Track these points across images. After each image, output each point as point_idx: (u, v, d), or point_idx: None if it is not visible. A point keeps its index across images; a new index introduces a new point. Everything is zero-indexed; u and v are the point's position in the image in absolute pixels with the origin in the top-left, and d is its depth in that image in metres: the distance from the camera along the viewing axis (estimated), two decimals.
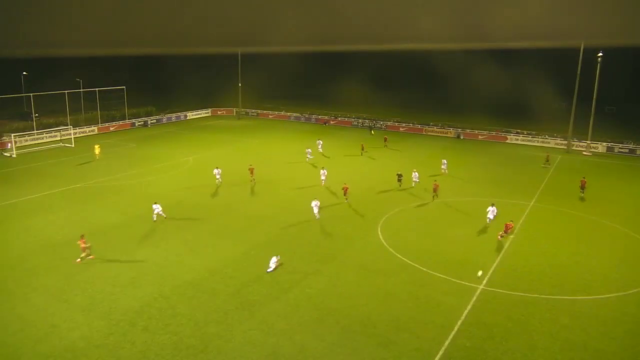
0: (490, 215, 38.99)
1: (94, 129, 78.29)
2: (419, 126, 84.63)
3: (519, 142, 76.34)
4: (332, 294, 28.92)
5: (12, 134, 64.93)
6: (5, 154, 63.44)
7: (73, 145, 67.36)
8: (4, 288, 29.28)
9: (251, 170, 51.09)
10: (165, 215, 39.74)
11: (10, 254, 33.81)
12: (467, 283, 30.38)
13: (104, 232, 37.84)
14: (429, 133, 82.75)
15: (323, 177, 50.04)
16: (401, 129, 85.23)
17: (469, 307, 27.75)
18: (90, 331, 25.07)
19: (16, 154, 62.65)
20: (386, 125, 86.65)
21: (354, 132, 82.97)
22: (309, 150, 62.00)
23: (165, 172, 55.67)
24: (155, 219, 39.52)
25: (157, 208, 39.57)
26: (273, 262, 31.26)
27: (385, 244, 36.19)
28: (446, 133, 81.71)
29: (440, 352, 23.68)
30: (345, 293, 29.18)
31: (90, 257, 32.53)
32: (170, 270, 31.51)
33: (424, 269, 32.13)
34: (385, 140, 71.92)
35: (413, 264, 32.88)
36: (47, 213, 41.98)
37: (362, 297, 28.70)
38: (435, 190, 46.10)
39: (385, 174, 54.95)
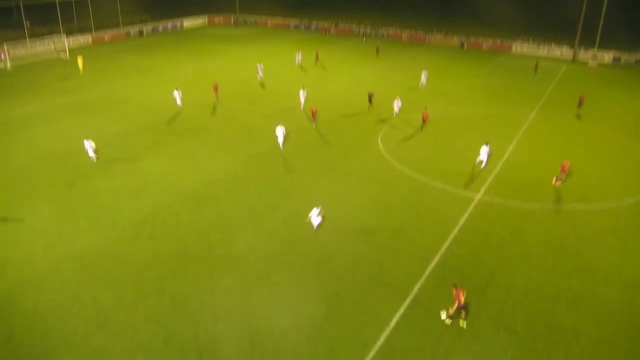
0: (483, 157, 33.57)
1: (89, 38, 76.15)
2: (422, 34, 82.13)
3: (524, 51, 74.50)
4: (333, 203, 29.45)
5: (5, 44, 63.19)
6: None
7: (68, 56, 65.81)
8: (11, 199, 29.81)
9: (215, 88, 47.56)
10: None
11: (15, 166, 34.10)
12: (465, 192, 30.87)
13: (105, 143, 37.88)
14: (432, 42, 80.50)
15: (302, 99, 45.17)
16: (403, 37, 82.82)
17: (466, 216, 28.38)
18: (97, 239, 25.83)
19: (10, 66, 61.36)
20: (388, 34, 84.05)
21: (353, 41, 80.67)
22: (260, 65, 55.33)
23: (164, 82, 54.76)
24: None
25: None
26: (316, 215, 26.40)
27: (385, 154, 36.37)
28: (450, 42, 79.50)
29: (437, 259, 24.52)
30: (345, 202, 29.71)
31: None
32: (172, 181, 31.89)
33: (424, 179, 32.51)
34: (378, 50, 69.69)
35: (413, 174, 33.22)
36: (48, 125, 41.84)
37: (361, 206, 29.27)
38: (424, 120, 40.48)
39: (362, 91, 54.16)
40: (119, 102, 48.04)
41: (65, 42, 68.46)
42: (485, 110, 46.68)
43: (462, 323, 20.28)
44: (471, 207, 29.28)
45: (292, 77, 57.49)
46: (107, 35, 78.80)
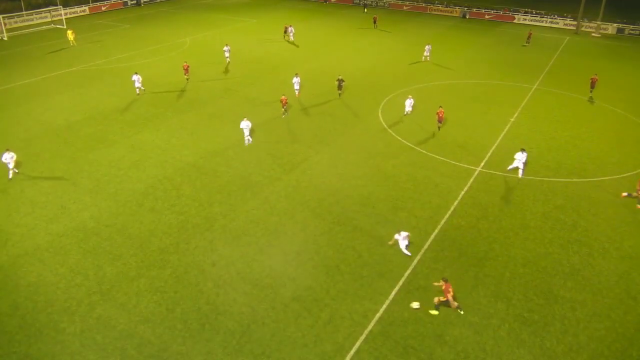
0: (520, 164, 29.39)
1: (85, 9, 75.14)
2: (424, 4, 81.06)
3: (526, 22, 73.60)
4: (333, 175, 29.53)
5: (1, 15, 62.38)
6: None
7: (65, 27, 65.03)
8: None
9: (186, 69, 44.88)
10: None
11: (14, 139, 34.04)
12: (465, 165, 30.91)
13: (104, 115, 37.80)
14: (434, 12, 79.45)
15: (297, 87, 41.40)
16: (405, 8, 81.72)
17: (465, 188, 28.48)
18: (99, 212, 25.97)
19: (7, 37, 60.69)
20: (389, 4, 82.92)
21: (354, 11, 79.59)
22: (227, 47, 50.51)
23: (163, 53, 54.28)
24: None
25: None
26: (402, 239, 22.85)
27: (385, 125, 36.29)
28: (452, 12, 78.51)
29: (436, 230, 24.70)
30: (345, 174, 29.78)
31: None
32: (172, 153, 31.90)
33: (424, 152, 32.51)
34: (375, 20, 68.57)
35: (413, 146, 33.21)
36: (46, 97, 41.62)
37: (361, 178, 29.35)
38: (440, 119, 35.25)
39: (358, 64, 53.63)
40: (116, 74, 47.65)
41: (62, 13, 67.56)
42: (487, 82, 46.36)
43: (434, 312, 19.62)
44: (471, 180, 29.36)
45: (284, 51, 56.93)
46: (104, 5, 77.71)
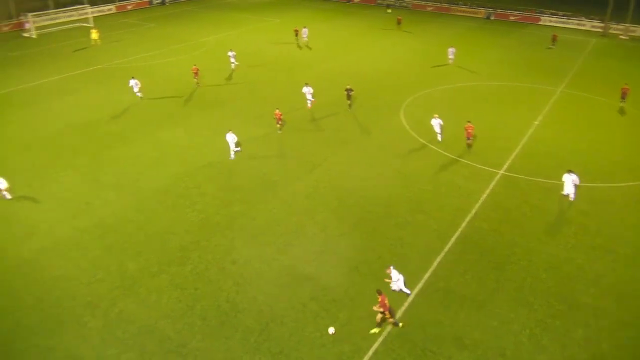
0: (570, 189, 26.99)
1: (112, 7, 76.19)
2: (447, 5, 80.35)
3: (552, 24, 72.51)
4: (353, 176, 29.48)
5: (30, 14, 63.57)
6: (25, 34, 62.73)
7: (92, 25, 65.95)
8: (37, 168, 30.44)
9: (195, 72, 43.92)
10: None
11: (38, 136, 34.71)
12: (487, 168, 30.57)
13: (126, 113, 38.32)
14: (457, 13, 78.71)
15: (310, 97, 38.51)
16: (428, 9, 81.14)
17: (487, 191, 28.17)
18: (120, 208, 26.31)
19: (32, 35, 61.85)
20: (412, 4, 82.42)
21: (377, 12, 79.26)
22: (232, 53, 48.90)
23: (185, 52, 54.76)
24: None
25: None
26: (400, 282, 20.40)
27: (407, 127, 36.10)
28: (476, 13, 77.69)
29: (457, 233, 24.48)
30: (365, 175, 29.70)
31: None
32: (193, 151, 32.15)
33: (446, 154, 32.25)
34: (399, 21, 67.64)
35: (435, 147, 32.96)
36: (70, 95, 42.32)
37: (382, 180, 29.23)
38: (469, 136, 32.83)
39: (383, 65, 53.35)
40: (138, 72, 48.20)
41: (89, 12, 68.57)
42: (511, 84, 45.82)
43: (375, 330, 18.71)
44: (493, 183, 29.04)
45: (304, 51, 56.98)
46: (130, 4, 78.71)
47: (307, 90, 38.40)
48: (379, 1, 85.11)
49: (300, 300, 20.24)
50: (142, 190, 27.94)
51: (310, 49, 56.82)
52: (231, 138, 31.37)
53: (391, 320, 18.83)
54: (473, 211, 26.31)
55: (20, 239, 23.85)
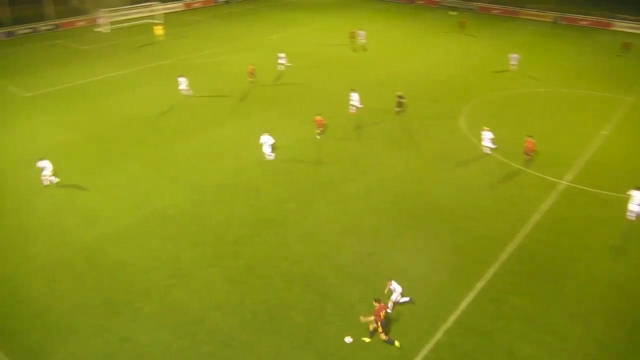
0: (636, 208, 25.35)
1: (180, 5, 78.58)
2: (514, 8, 77.99)
3: (625, 29, 69.08)
4: (407, 180, 29.15)
5: (103, 10, 66.49)
6: (98, 29, 65.64)
7: (162, 22, 68.28)
8: (103, 157, 31.81)
9: (251, 72, 44.37)
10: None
11: (107, 126, 36.27)
12: (548, 177, 29.51)
13: (188, 108, 39.40)
14: (525, 17, 76.30)
15: (355, 104, 37.37)
16: (494, 12, 79.10)
17: (548, 201, 27.18)
18: (179, 200, 27.09)
19: (106, 30, 64.67)
20: (478, 7, 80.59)
21: (439, 14, 77.98)
22: (282, 55, 48.49)
23: (247, 50, 55.76)
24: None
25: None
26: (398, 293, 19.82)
27: (467, 132, 35.35)
28: (544, 17, 75.07)
29: (514, 243, 23.75)
30: (420, 179, 29.30)
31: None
32: (251, 148, 32.62)
33: (506, 160, 31.37)
34: (462, 24, 65.52)
35: (494, 154, 32.12)
36: (137, 88, 43.97)
37: (437, 184, 28.76)
38: (528, 151, 31.04)
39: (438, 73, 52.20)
40: (202, 68, 49.50)
41: (159, 9, 70.99)
42: (578, 92, 44.02)
43: (367, 339, 18.27)
44: (555, 193, 27.99)
45: (362, 52, 56.71)
46: (196, 2, 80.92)
47: (354, 97, 37.34)
48: (442, 3, 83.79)
49: (349, 301, 20.20)
50: (200, 184, 28.66)
51: (366, 50, 56.48)
52: (266, 140, 31.09)
53: (383, 336, 18.03)
54: (532, 221, 25.45)
55: (84, 225, 24.97)
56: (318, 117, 34.37)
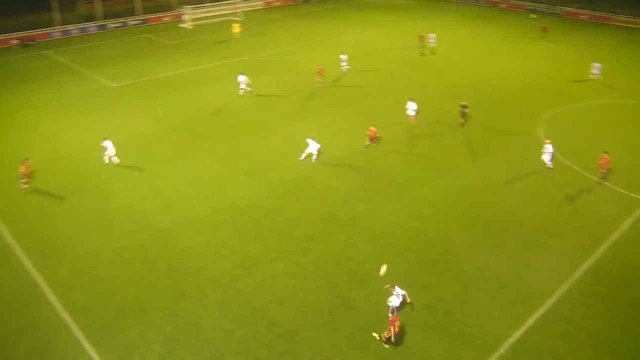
0: None
1: (260, 3, 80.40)
2: (606, 14, 73.73)
3: None
4: (481, 188, 28.42)
5: (188, 6, 69.17)
6: (182, 25, 68.34)
7: (242, 19, 70.17)
8: (181, 147, 33.13)
9: (319, 72, 44.24)
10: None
11: (186, 118, 37.76)
12: (633, 194, 27.84)
13: (264, 104, 40.27)
14: (616, 23, 72.04)
15: (412, 113, 36.38)
16: (582, 17, 75.31)
17: (630, 220, 25.65)
18: (250, 193, 27.77)
19: (190, 26, 67.21)
20: (564, 11, 77.04)
21: (522, 18, 75.15)
22: (344, 57, 48.33)
23: (324, 50, 56.22)
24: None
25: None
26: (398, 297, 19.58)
27: (542, 143, 33.91)
28: (636, 24, 70.57)
29: (590, 262, 22.60)
30: (494, 188, 28.48)
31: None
32: (323, 146, 32.79)
33: (586, 174, 29.89)
34: (544, 30, 62.16)
35: (574, 166, 30.70)
36: (215, 83, 45.44)
37: (512, 195, 27.85)
38: (603, 168, 29.03)
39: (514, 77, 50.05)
40: (277, 66, 50.42)
41: (240, 7, 72.97)
42: None
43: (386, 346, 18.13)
44: (638, 212, 26.39)
45: (441, 55, 55.61)
46: (276, 1, 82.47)
47: (411, 106, 36.29)
48: (527, 7, 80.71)
49: (413, 306, 19.96)
50: (273, 179, 29.24)
51: (435, 54, 55.26)
52: (313, 145, 30.86)
53: (385, 337, 18.16)
54: (611, 239, 24.12)
55: (160, 211, 26.13)
56: (372, 128, 32.98)
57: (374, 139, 32.98)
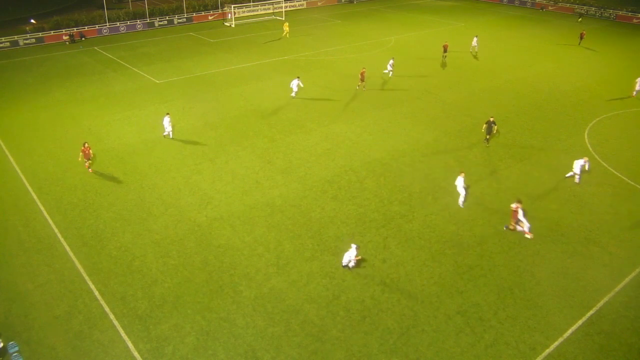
0: None
1: (303, 3, 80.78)
2: None
3: None
4: (521, 193, 27.73)
5: (232, 5, 70.17)
6: (226, 23, 69.39)
7: (284, 19, 70.71)
8: (221, 144, 33.58)
9: (362, 75, 43.03)
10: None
11: (226, 116, 38.24)
12: None
13: (305, 104, 40.37)
14: None
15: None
16: (635, 21, 72.69)
17: None
18: (287, 191, 27.91)
19: (234, 25, 68.09)
20: (616, 15, 74.53)
21: (567, 21, 73.09)
22: (391, 62, 46.77)
23: (367, 50, 56.07)
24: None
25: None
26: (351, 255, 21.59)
27: (591, 149, 32.93)
28: None
29: (634, 273, 21.78)
30: (536, 194, 27.77)
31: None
32: (361, 147, 32.84)
33: (633, 183, 28.82)
34: (581, 36, 59.45)
35: (621, 175, 29.65)
36: (256, 81, 45.89)
37: (553, 202, 27.09)
38: None
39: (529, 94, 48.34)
40: (322, 65, 50.49)
41: (282, 6, 73.57)
42: None
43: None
44: None
45: (485, 59, 54.53)
46: (320, 1, 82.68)
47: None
48: (576, 10, 78.45)
49: (445, 311, 19.68)
50: (309, 178, 29.32)
51: (477, 59, 54.18)
52: (460, 182, 26.74)
53: (512, 226, 24.00)
54: None
55: (198, 206, 26.56)
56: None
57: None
